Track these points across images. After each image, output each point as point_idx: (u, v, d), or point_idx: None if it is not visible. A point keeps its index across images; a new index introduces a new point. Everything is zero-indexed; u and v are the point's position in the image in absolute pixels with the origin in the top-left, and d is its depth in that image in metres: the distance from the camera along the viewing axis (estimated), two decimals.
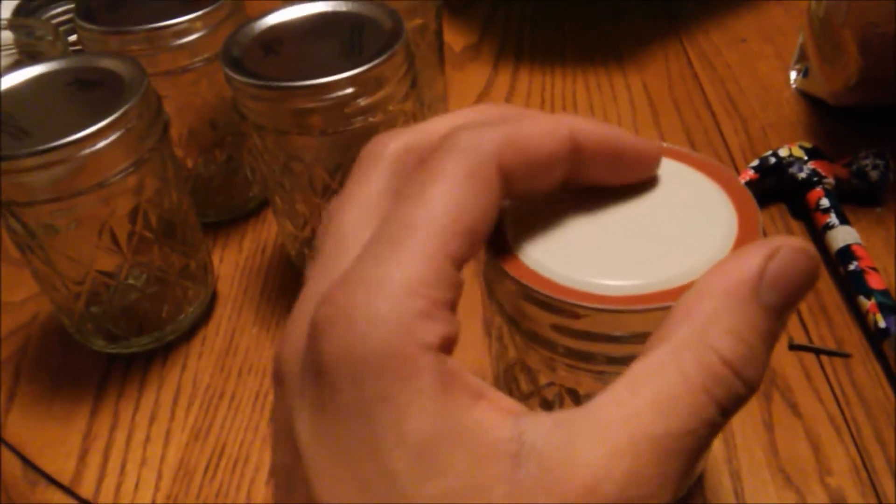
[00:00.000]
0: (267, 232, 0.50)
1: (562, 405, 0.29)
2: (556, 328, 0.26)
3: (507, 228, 0.27)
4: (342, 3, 0.42)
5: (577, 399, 0.29)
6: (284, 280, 0.47)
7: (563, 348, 0.26)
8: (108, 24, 0.44)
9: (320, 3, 0.42)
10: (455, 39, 0.69)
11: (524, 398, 0.30)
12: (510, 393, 0.30)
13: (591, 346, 0.26)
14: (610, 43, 0.65)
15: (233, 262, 0.48)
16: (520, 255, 0.26)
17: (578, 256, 0.25)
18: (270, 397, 0.40)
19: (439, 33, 0.49)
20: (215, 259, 0.48)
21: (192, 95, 0.46)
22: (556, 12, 0.71)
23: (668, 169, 0.27)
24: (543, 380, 0.29)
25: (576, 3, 0.71)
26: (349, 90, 0.38)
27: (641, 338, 0.25)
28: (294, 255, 0.46)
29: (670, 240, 0.26)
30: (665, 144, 0.29)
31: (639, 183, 0.27)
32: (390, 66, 0.39)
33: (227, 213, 0.51)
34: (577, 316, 0.25)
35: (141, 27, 0.44)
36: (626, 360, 0.25)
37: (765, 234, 0.26)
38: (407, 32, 0.42)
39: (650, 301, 0.24)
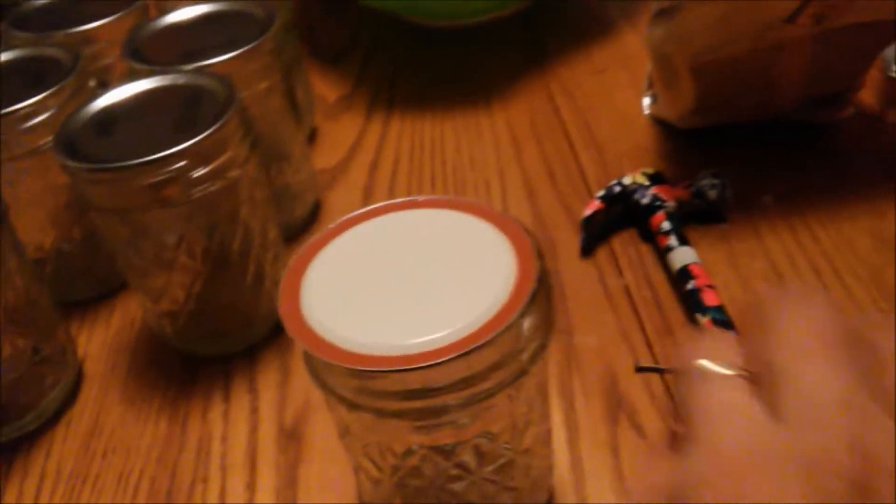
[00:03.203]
0: (135, 306, 0.50)
1: (436, 466, 0.29)
2: (386, 394, 0.26)
3: (301, 302, 0.27)
4: (176, 76, 0.43)
5: (448, 455, 0.29)
6: (151, 355, 0.47)
7: (408, 411, 0.27)
8: None
9: (154, 78, 0.43)
10: (329, 91, 0.70)
11: (392, 474, 0.30)
12: (376, 476, 0.31)
13: (416, 403, 0.26)
14: (478, 84, 0.67)
15: (100, 340, 0.48)
16: (317, 329, 0.26)
17: (380, 321, 0.26)
18: (133, 477, 0.40)
19: (290, 93, 0.50)
20: (83, 337, 0.48)
21: (44, 177, 0.46)
22: (428, 59, 0.73)
23: (448, 220, 0.29)
24: (400, 449, 0.29)
25: (446, 48, 0.73)
26: (184, 162, 0.38)
27: (460, 384, 0.26)
28: (157, 330, 0.46)
29: (457, 290, 0.27)
30: (442, 197, 0.30)
31: (424, 238, 0.29)
32: (224, 134, 0.39)
33: (93, 290, 0.51)
34: (383, 378, 0.26)
35: None
36: (470, 404, 0.26)
37: (541, 268, 0.27)
38: (245, 98, 0.44)
39: (445, 353, 0.25)
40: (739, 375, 0.22)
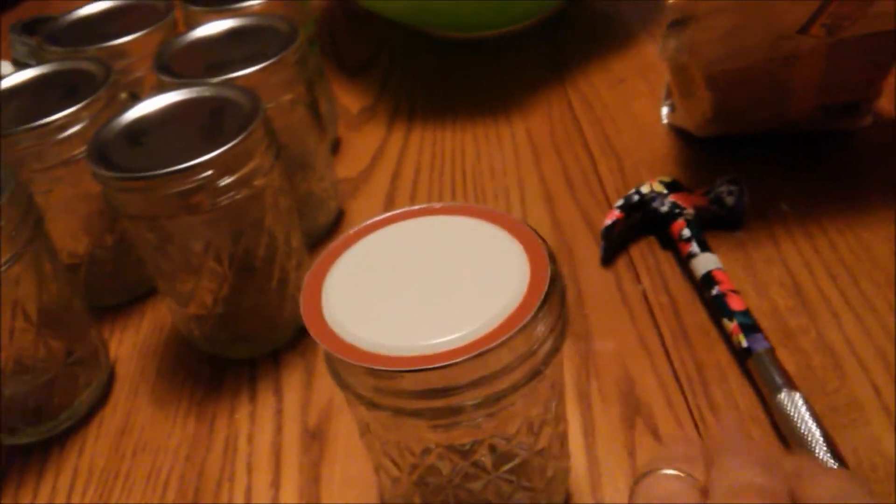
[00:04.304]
0: (164, 311, 0.51)
1: (452, 465, 0.30)
2: (404, 394, 0.27)
3: (322, 305, 0.29)
4: (203, 88, 0.44)
5: (464, 455, 0.30)
6: (180, 357, 0.48)
7: (425, 410, 0.28)
8: None
9: (182, 90, 0.44)
10: (352, 102, 0.71)
11: (410, 472, 0.31)
12: (395, 474, 0.32)
13: (433, 402, 0.27)
14: (498, 94, 0.68)
15: (131, 343, 0.49)
16: (338, 331, 0.28)
17: (398, 323, 0.27)
18: (163, 475, 0.41)
19: (313, 105, 0.52)
20: (114, 341, 0.50)
21: (77, 185, 0.48)
22: (449, 70, 0.74)
23: (463, 226, 0.30)
24: (418, 448, 0.30)
25: (466, 60, 0.74)
26: (211, 171, 0.40)
27: (476, 384, 0.27)
28: (185, 333, 0.47)
29: (472, 294, 0.28)
30: (457, 204, 0.31)
31: (440, 243, 0.30)
32: (249, 144, 0.41)
33: (123, 296, 0.52)
34: (401, 378, 0.27)
35: (23, 126, 0.45)
36: (485, 404, 0.27)
37: (553, 271, 0.28)
38: (270, 109, 0.45)
39: (461, 353, 0.26)
40: (685, 475, 0.27)
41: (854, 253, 0.46)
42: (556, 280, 0.28)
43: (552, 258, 0.29)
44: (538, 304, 0.27)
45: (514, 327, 0.26)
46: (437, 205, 0.32)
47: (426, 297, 0.28)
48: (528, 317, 0.27)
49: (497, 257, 0.29)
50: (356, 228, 0.32)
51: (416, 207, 0.32)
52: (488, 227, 0.30)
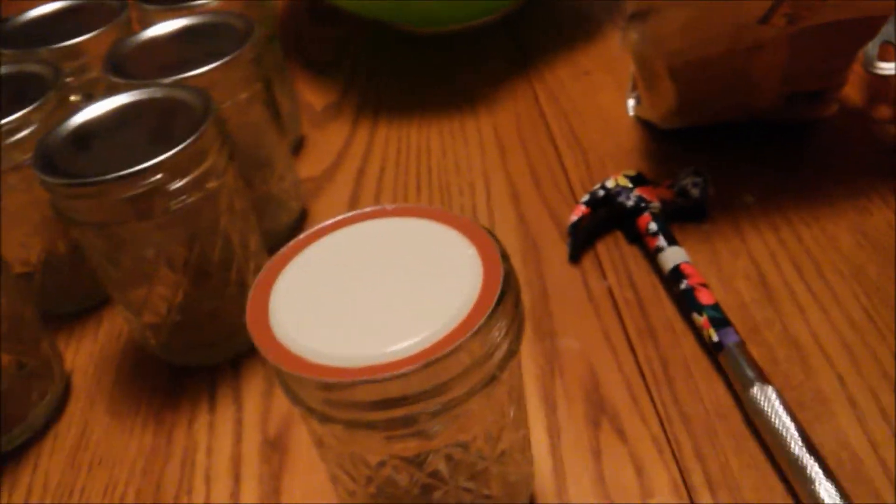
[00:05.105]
0: (121, 319, 0.50)
1: (409, 476, 0.29)
2: (354, 405, 0.26)
3: (269, 314, 0.28)
4: (154, 89, 0.43)
5: (420, 465, 0.29)
6: (138, 366, 0.47)
7: (380, 422, 0.27)
8: None
9: (133, 92, 0.43)
10: (316, 99, 0.70)
11: (366, 484, 0.30)
12: (351, 487, 0.31)
13: (388, 413, 0.26)
14: (464, 89, 0.67)
15: (87, 353, 0.48)
16: (285, 341, 0.27)
17: (347, 331, 0.27)
18: (119, 489, 0.40)
19: (272, 102, 0.51)
20: (70, 351, 0.48)
21: (29, 192, 0.47)
22: (415, 66, 0.73)
23: (416, 228, 0.29)
24: (374, 460, 0.30)
25: (432, 54, 0.73)
26: (161, 175, 0.38)
27: (429, 393, 0.26)
28: (141, 341, 0.46)
29: (424, 298, 0.27)
30: (410, 205, 0.30)
31: (392, 246, 0.29)
32: (201, 145, 0.39)
33: (80, 303, 0.51)
34: (350, 389, 0.26)
35: None
36: (441, 412, 0.26)
37: (506, 271, 0.27)
38: (225, 108, 0.44)
39: (412, 362, 0.25)
40: None
41: (819, 244, 0.45)
42: (508, 280, 0.27)
43: (505, 258, 0.28)
44: (492, 305, 0.26)
45: (468, 331, 0.25)
46: (390, 206, 0.31)
47: (378, 302, 0.27)
48: (483, 319, 0.26)
49: (450, 259, 0.28)
50: (306, 234, 0.31)
51: (368, 210, 0.31)
52: (441, 229, 0.29)
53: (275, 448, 0.40)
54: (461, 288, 0.27)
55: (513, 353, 0.28)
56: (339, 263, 0.29)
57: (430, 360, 0.25)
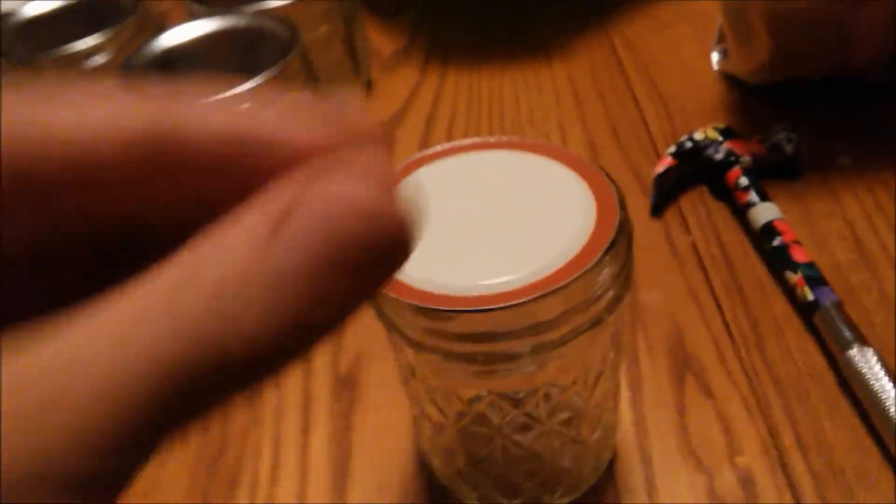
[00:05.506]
0: None
1: (503, 413, 0.29)
2: (455, 336, 0.26)
3: None
4: (238, 17, 0.42)
5: (516, 403, 0.28)
6: None
7: (476, 355, 0.26)
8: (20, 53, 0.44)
9: (216, 19, 0.42)
10: (384, 44, 0.69)
11: (457, 420, 0.30)
12: (440, 421, 0.30)
13: (484, 347, 0.26)
14: (537, 38, 0.65)
15: None
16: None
17: (451, 261, 0.26)
18: None
19: (349, 41, 0.49)
20: None
21: None
22: (485, 12, 0.71)
23: (525, 163, 0.28)
24: (466, 395, 0.29)
25: (504, 2, 0.71)
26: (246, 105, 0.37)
27: (529, 330, 0.25)
28: None
29: (532, 234, 0.26)
30: (517, 138, 0.29)
31: (498, 180, 0.27)
32: (286, 76, 0.38)
33: None
34: (452, 319, 0.25)
35: (49, 53, 0.43)
36: (539, 352, 0.25)
37: (622, 217, 0.26)
38: (306, 42, 0.43)
39: (514, 297, 0.24)
40: None
41: None
42: (624, 227, 0.26)
43: (622, 204, 0.26)
44: (604, 250, 0.25)
45: (573, 273, 0.24)
46: (492, 139, 0.29)
47: (483, 235, 0.26)
48: (592, 263, 0.24)
49: (561, 198, 0.27)
50: (406, 161, 0.29)
51: (469, 141, 0.30)
52: (553, 165, 0.28)
53: (346, 385, 0.40)
54: (571, 227, 0.26)
55: (620, 298, 0.27)
56: (442, 194, 0.28)
57: (531, 297, 0.24)
